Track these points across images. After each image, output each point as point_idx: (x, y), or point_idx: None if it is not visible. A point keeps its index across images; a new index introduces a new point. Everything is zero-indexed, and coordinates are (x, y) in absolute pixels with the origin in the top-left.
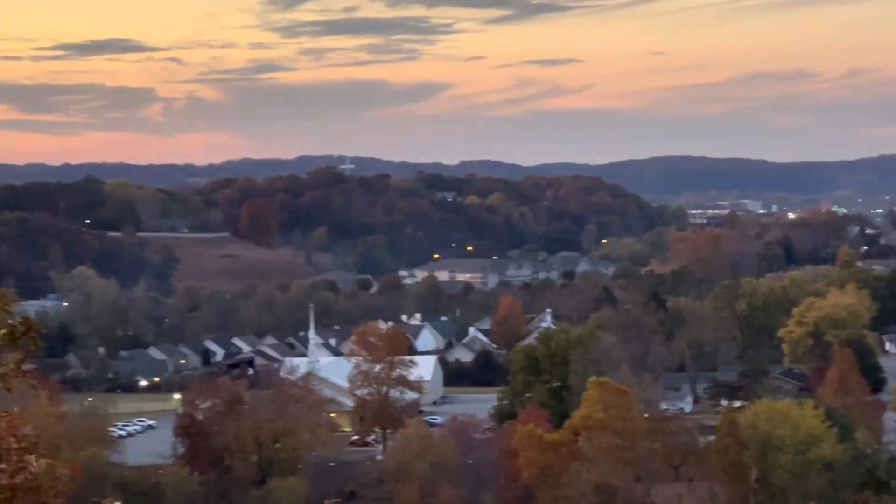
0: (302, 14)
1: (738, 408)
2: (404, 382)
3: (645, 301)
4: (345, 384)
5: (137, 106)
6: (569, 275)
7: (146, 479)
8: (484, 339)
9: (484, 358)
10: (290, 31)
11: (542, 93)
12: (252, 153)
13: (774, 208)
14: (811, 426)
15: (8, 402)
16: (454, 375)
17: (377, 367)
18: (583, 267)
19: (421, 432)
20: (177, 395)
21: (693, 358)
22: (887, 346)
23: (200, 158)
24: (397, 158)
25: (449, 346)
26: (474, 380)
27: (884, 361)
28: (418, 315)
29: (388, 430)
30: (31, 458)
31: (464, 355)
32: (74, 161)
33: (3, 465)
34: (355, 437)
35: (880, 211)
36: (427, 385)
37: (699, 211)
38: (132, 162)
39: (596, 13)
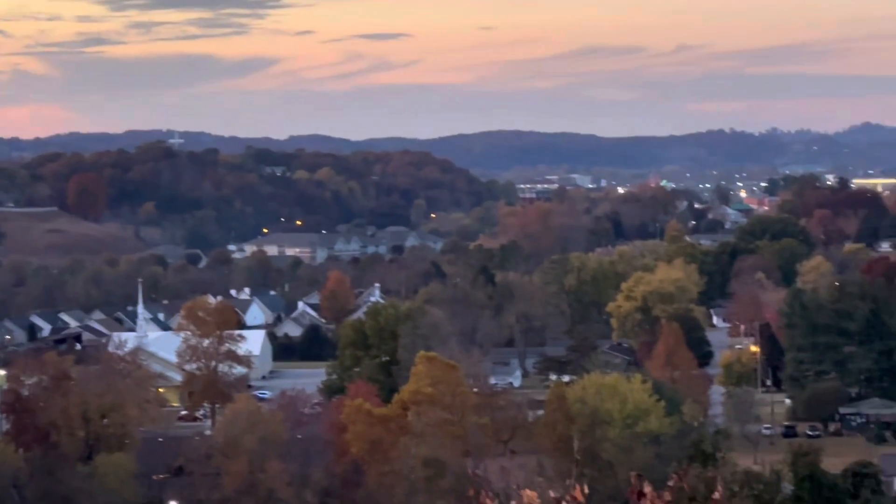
0: None
1: (567, 382)
2: (233, 357)
3: (474, 276)
4: (173, 359)
5: None
6: (397, 249)
7: None
8: (313, 313)
9: (313, 332)
10: (118, 4)
11: (372, 67)
12: (80, 127)
13: (603, 183)
14: (639, 400)
15: None
16: (283, 350)
17: (206, 342)
18: (411, 241)
19: (249, 407)
20: (2, 372)
21: (522, 332)
22: (715, 319)
23: (27, 132)
24: (227, 133)
25: (278, 320)
26: (303, 354)
27: (711, 335)
28: (247, 289)
29: (216, 405)
30: None
31: (293, 330)
32: None
33: None
34: (184, 413)
35: (708, 186)
36: (256, 360)
37: (528, 185)
38: None
39: None
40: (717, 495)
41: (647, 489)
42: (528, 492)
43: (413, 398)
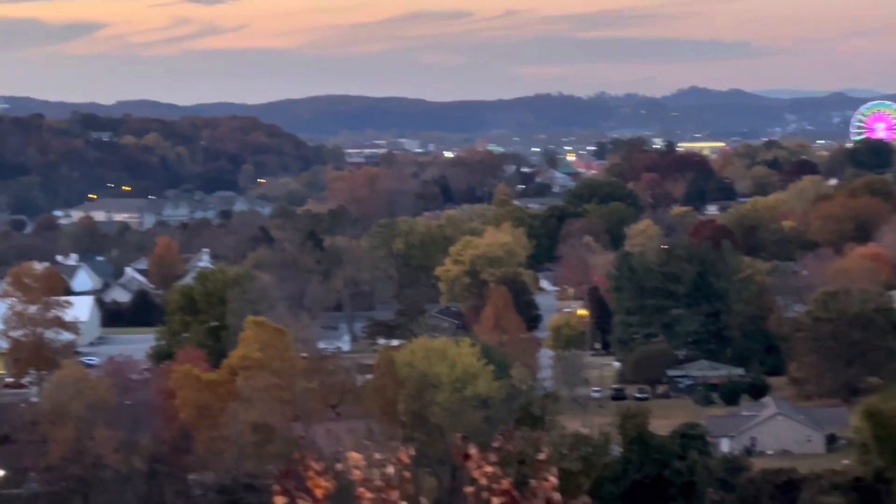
0: None
1: (396, 346)
2: (60, 323)
3: (302, 240)
4: None
5: None
6: (226, 214)
7: None
8: (141, 279)
9: (141, 298)
10: None
11: (200, 32)
12: None
13: (432, 147)
14: (467, 364)
15: None
16: (111, 316)
17: (32, 309)
18: (240, 206)
19: (77, 374)
20: None
21: (350, 297)
22: (543, 283)
23: None
24: (53, 98)
25: (106, 286)
26: (132, 320)
27: (539, 299)
28: (74, 255)
29: (43, 372)
30: None
31: (121, 296)
32: None
33: None
34: (9, 380)
35: (536, 150)
36: (83, 326)
37: (356, 150)
38: None
39: None
40: (542, 456)
41: (473, 451)
42: (353, 454)
43: (241, 363)
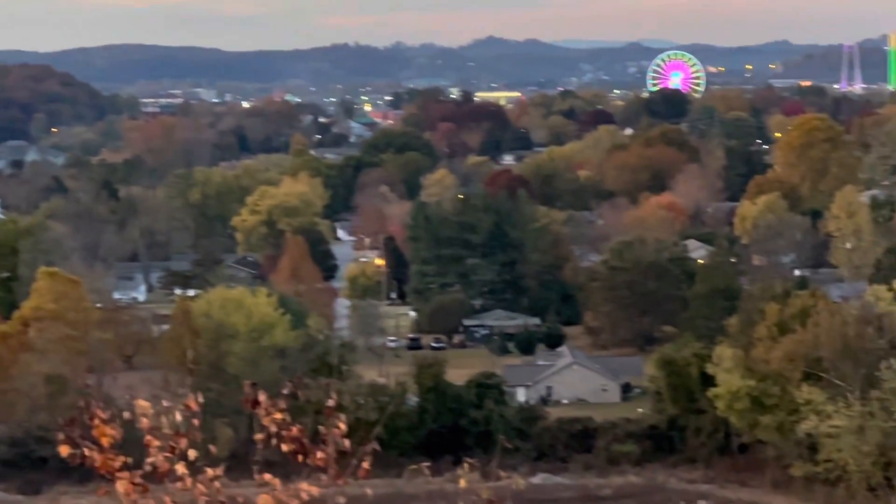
0: None
1: (192, 297)
2: None
3: (96, 190)
4: None
5: None
6: (17, 164)
7: None
8: None
9: None
10: None
11: None
12: None
13: (228, 97)
14: (264, 313)
15: None
16: None
17: None
18: (32, 156)
19: None
20: None
21: (146, 247)
22: (340, 233)
23: None
24: None
25: None
26: None
27: (336, 249)
28: None
29: None
30: None
31: None
32: None
33: None
34: None
35: (333, 100)
36: None
37: (152, 100)
38: None
39: None
40: (330, 403)
41: (262, 398)
42: (141, 402)
43: (34, 315)
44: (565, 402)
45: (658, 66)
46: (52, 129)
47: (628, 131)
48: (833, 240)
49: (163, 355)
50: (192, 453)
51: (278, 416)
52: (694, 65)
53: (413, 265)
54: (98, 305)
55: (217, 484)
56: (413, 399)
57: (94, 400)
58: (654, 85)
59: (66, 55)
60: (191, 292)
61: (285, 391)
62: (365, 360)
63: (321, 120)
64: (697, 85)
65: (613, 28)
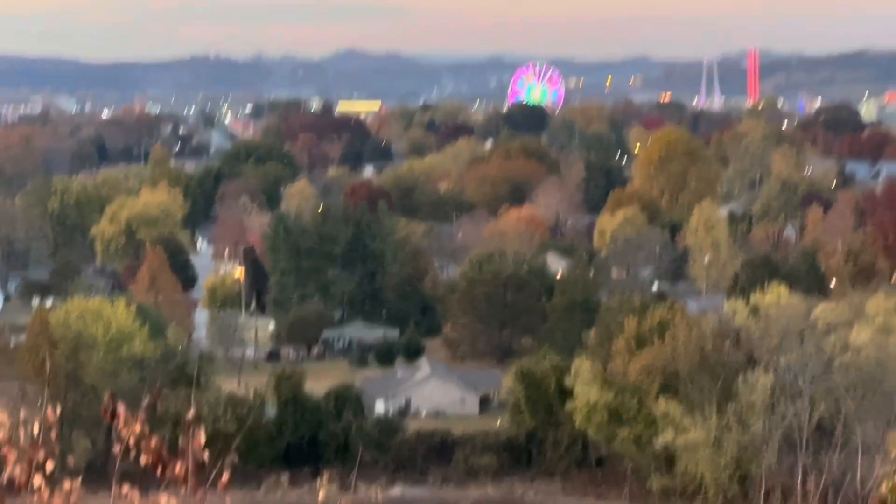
0: None
1: (50, 306)
2: None
3: None
4: None
5: None
6: None
7: None
8: None
9: None
10: None
11: None
12: None
13: (88, 107)
14: (123, 324)
15: None
16: None
17: None
18: None
19: None
20: None
21: (4, 256)
22: (200, 244)
23: None
24: None
25: None
26: None
27: (195, 259)
28: None
29: None
30: None
31: None
32: None
33: None
34: None
35: (193, 110)
36: None
37: (11, 108)
38: None
39: None
40: (190, 415)
41: (120, 409)
42: None
43: None
44: (424, 414)
45: (518, 79)
46: None
47: (488, 144)
48: (691, 253)
49: (20, 366)
50: (49, 465)
51: (137, 427)
52: (554, 78)
53: (273, 276)
54: None
55: (74, 496)
56: (272, 411)
57: None
58: (515, 98)
59: None
60: (49, 302)
61: (144, 403)
62: (224, 371)
63: (181, 130)
64: (557, 99)
65: (474, 41)
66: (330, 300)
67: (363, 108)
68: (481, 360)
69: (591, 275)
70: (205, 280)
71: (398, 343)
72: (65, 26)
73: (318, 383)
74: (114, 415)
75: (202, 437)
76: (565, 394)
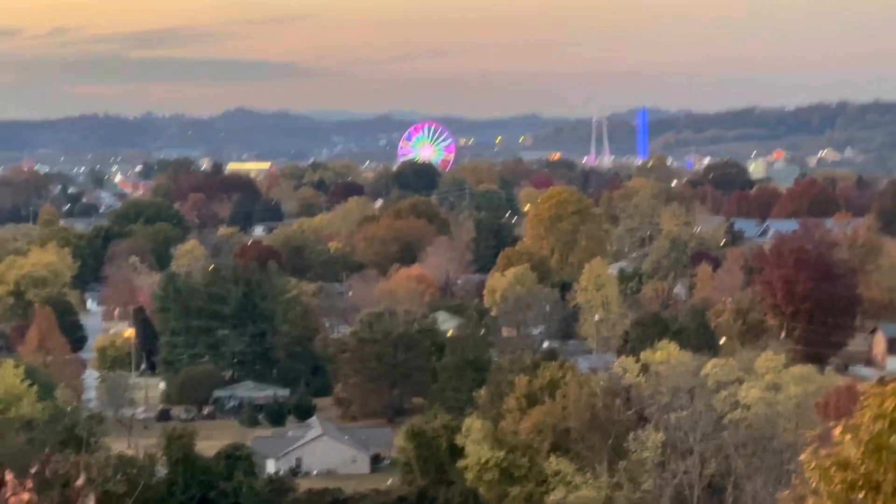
0: None
1: None
2: None
3: None
4: None
5: None
6: None
7: None
8: None
9: None
10: None
11: None
12: None
13: None
14: (11, 385)
15: None
16: None
17: None
18: None
19: None
20: None
21: None
22: (89, 304)
23: None
24: None
25: None
26: None
27: (85, 319)
28: None
29: None
30: None
31: None
32: None
33: None
34: None
35: (83, 169)
36: None
37: None
38: None
39: None
40: (80, 482)
41: (9, 477)
42: None
43: None
44: (315, 473)
45: (408, 138)
46: None
47: (378, 203)
48: (582, 311)
49: None
50: None
51: (25, 496)
52: (444, 138)
53: (163, 336)
54: None
55: None
56: (162, 471)
57: None
58: (405, 157)
59: None
60: None
61: (33, 469)
62: (114, 431)
63: (70, 190)
64: (447, 158)
65: (364, 100)
66: (220, 360)
67: (253, 167)
68: (372, 420)
69: (482, 333)
70: (95, 340)
71: (289, 403)
72: None
73: (209, 443)
74: (2, 484)
75: (92, 502)
76: (456, 452)
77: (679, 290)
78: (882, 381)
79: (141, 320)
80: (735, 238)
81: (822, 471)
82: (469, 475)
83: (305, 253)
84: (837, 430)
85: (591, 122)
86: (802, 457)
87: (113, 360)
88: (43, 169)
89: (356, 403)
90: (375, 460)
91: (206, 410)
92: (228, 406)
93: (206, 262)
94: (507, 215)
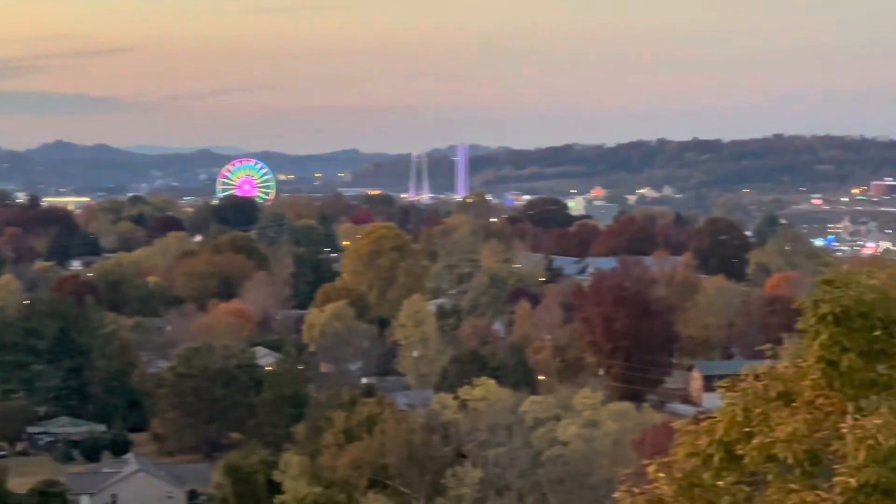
0: None
1: None
2: None
3: None
4: None
5: None
6: None
7: None
8: None
9: None
10: None
11: None
12: None
13: None
14: None
15: None
16: None
17: None
18: None
19: None
20: None
21: None
22: None
23: None
24: None
25: None
26: None
27: None
28: None
29: None
30: None
31: None
32: None
33: None
34: None
35: None
36: None
37: None
38: None
39: None
40: None
41: None
42: None
43: None
44: None
45: (227, 174)
46: None
47: (198, 238)
48: (400, 348)
49: None
50: None
51: None
52: (263, 173)
53: None
54: None
55: None
56: None
57: None
58: (224, 191)
59: None
60: None
61: None
62: None
63: None
64: (266, 192)
65: (183, 134)
66: (34, 395)
67: (71, 200)
68: (189, 455)
69: (300, 369)
70: None
71: (105, 438)
72: None
73: (22, 480)
74: None
75: None
76: (274, 488)
77: (498, 326)
78: (696, 419)
79: None
80: (554, 275)
81: None
82: None
83: (123, 287)
84: (652, 468)
85: (410, 157)
86: (616, 494)
87: None
88: None
89: (173, 438)
90: (192, 496)
91: (19, 447)
92: (43, 442)
93: (21, 297)
94: (326, 251)
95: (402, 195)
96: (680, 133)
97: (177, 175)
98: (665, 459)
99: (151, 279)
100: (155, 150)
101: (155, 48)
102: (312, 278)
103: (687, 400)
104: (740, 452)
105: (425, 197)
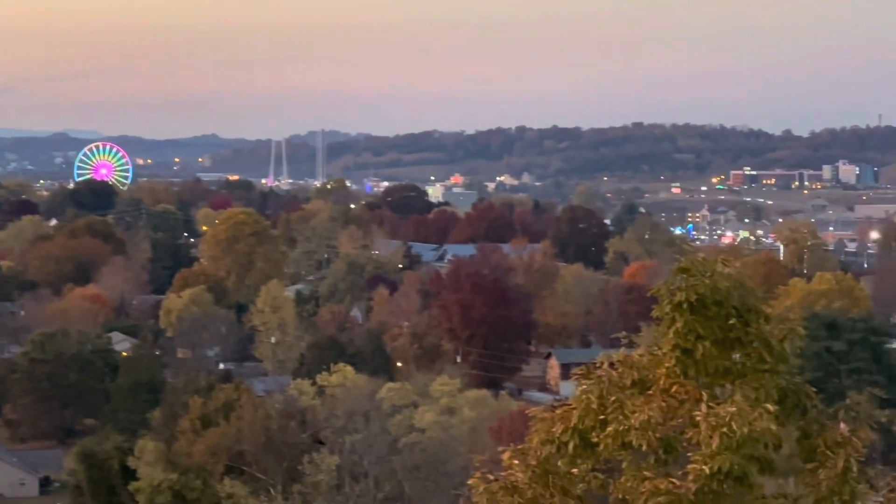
0: None
1: None
2: None
3: None
4: None
5: None
6: None
7: None
8: None
9: None
10: None
11: None
12: None
13: None
14: None
15: None
16: None
17: None
18: None
19: None
20: None
21: None
22: None
23: None
24: None
25: None
26: None
27: None
28: None
29: None
30: None
31: None
32: None
33: None
34: None
35: None
36: None
37: None
38: None
39: None
40: None
41: None
42: None
43: None
44: None
45: (85, 158)
46: None
47: (53, 222)
48: (258, 334)
49: None
50: None
51: None
52: (120, 157)
53: None
54: None
55: None
56: None
57: None
58: (82, 176)
59: None
60: None
61: None
62: None
63: None
64: (124, 177)
65: (39, 118)
66: None
67: None
68: (43, 441)
69: (157, 354)
70: None
71: None
72: None
73: None
74: None
75: None
76: (129, 474)
77: (356, 313)
78: (552, 406)
79: None
80: (412, 262)
81: (490, 495)
82: (141, 498)
83: None
84: (506, 455)
85: (270, 143)
86: (471, 481)
87: None
88: None
89: (26, 424)
90: (45, 483)
91: None
92: None
93: None
94: (184, 236)
95: (261, 181)
96: (540, 121)
97: (32, 158)
98: (520, 447)
99: (5, 263)
100: (9, 133)
101: (6, 29)
102: (170, 263)
103: (544, 388)
104: (595, 440)
105: (284, 183)
